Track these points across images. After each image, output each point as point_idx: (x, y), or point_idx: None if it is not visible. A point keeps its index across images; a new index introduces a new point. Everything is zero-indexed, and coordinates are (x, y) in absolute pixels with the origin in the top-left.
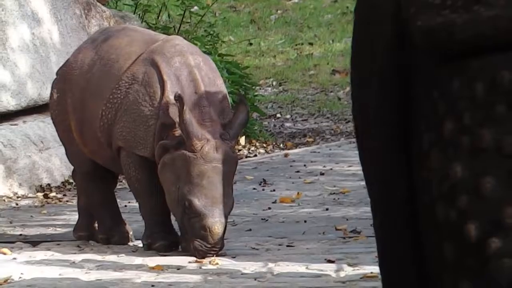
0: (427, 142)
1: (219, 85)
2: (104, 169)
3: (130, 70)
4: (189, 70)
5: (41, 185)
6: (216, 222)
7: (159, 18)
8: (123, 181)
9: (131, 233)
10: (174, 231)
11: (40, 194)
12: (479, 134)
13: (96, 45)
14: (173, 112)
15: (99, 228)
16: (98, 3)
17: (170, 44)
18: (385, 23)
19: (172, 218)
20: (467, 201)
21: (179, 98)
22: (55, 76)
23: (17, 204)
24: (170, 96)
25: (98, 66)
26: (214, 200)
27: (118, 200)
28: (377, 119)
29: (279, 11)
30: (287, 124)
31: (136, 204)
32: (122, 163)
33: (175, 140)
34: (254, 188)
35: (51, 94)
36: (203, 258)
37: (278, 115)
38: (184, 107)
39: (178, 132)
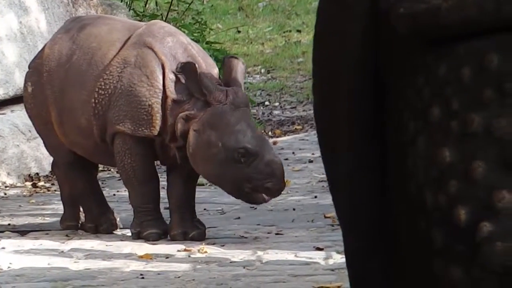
0: (413, 130)
1: (212, 63)
2: (85, 159)
3: (120, 56)
4: (184, 47)
5: (29, 175)
6: (276, 156)
7: (147, 6)
8: (112, 169)
9: (118, 219)
10: (163, 220)
11: (28, 184)
12: (468, 118)
13: (72, 35)
14: (181, 86)
15: (86, 217)
16: None
17: (157, 27)
18: (359, 18)
19: (161, 206)
20: (457, 186)
21: (185, 65)
22: None
23: (5, 194)
24: (170, 74)
25: (77, 55)
26: (260, 138)
27: (106, 189)
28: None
29: None
30: (276, 112)
31: (125, 193)
32: (116, 149)
33: (193, 109)
34: None
35: (25, 87)
36: (277, 196)
37: (267, 102)
38: (196, 67)
39: (191, 103)
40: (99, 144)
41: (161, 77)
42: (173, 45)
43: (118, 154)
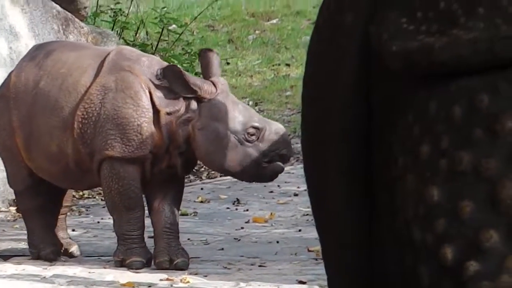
0: (402, 166)
1: None
2: (47, 186)
3: (97, 83)
4: (160, 63)
5: (14, 199)
6: (277, 123)
7: (137, 35)
8: (96, 197)
9: (74, 249)
10: (147, 248)
11: (12, 209)
12: (457, 157)
13: (38, 62)
14: (169, 97)
15: (29, 242)
16: (76, 19)
17: (128, 50)
18: (351, 57)
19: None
20: (445, 225)
21: (166, 69)
22: None
23: None
24: (156, 91)
25: (45, 81)
26: (255, 113)
27: (90, 216)
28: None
29: (257, 32)
30: None
31: (109, 221)
32: (102, 175)
33: (188, 111)
34: (227, 208)
35: None
36: (288, 162)
37: None
38: (179, 67)
39: (183, 108)
40: (70, 169)
41: (145, 96)
42: (150, 63)
43: (105, 180)
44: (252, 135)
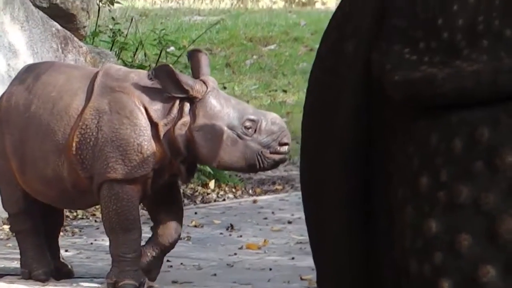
0: (402, 197)
1: None
2: (41, 208)
3: (91, 107)
4: (147, 74)
5: (7, 218)
6: (271, 113)
7: (135, 56)
8: (90, 218)
9: (66, 269)
10: (141, 272)
11: (6, 227)
12: (456, 190)
13: (28, 85)
14: (162, 108)
15: (21, 262)
16: (75, 38)
17: (114, 70)
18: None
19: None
20: (442, 257)
21: (158, 69)
22: None
23: None
24: (152, 105)
25: (36, 104)
26: (249, 105)
27: (84, 237)
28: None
29: (254, 57)
30: None
31: (102, 242)
32: (102, 197)
33: (182, 115)
34: (221, 233)
35: None
36: (288, 150)
37: None
38: (171, 67)
39: (178, 113)
40: (67, 191)
41: (141, 114)
42: (138, 77)
43: (103, 201)
44: (249, 128)
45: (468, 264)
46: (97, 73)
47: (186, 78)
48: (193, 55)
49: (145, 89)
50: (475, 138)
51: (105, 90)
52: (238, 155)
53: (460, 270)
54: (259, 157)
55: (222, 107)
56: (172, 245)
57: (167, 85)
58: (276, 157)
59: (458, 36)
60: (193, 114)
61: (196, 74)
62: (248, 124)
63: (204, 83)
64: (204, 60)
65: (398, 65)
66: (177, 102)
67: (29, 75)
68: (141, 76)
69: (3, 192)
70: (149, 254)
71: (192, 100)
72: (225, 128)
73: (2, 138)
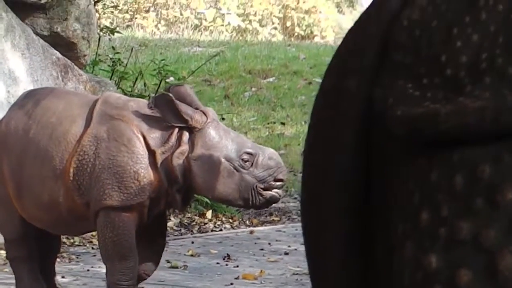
0: (401, 233)
1: None
2: (38, 234)
3: (89, 134)
4: (147, 104)
5: (4, 243)
6: (269, 148)
7: (135, 85)
8: (87, 245)
9: None
10: None
11: (3, 252)
12: (457, 226)
13: (27, 110)
14: (161, 137)
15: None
16: (75, 66)
17: (113, 98)
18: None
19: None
20: None
21: (159, 98)
22: None
23: None
24: (150, 133)
25: (35, 130)
26: (247, 139)
27: (80, 264)
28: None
29: (253, 89)
30: None
31: (99, 269)
32: (98, 224)
33: (180, 144)
34: (217, 263)
35: None
36: (283, 186)
37: None
38: (171, 96)
39: (176, 142)
40: (62, 217)
41: (139, 142)
42: (137, 106)
43: (100, 228)
44: (246, 161)
45: None
46: (96, 100)
47: (185, 108)
48: (177, 91)
49: (144, 117)
50: (476, 175)
51: (104, 118)
52: (233, 187)
53: None
54: (253, 191)
55: (221, 139)
56: (148, 276)
57: (167, 114)
58: (268, 194)
59: (461, 72)
60: (191, 143)
61: (193, 105)
62: (245, 157)
63: (204, 113)
64: (190, 92)
65: (401, 100)
66: (176, 131)
67: (29, 100)
68: (140, 104)
69: (0, 217)
70: None
71: (191, 129)
72: (223, 160)
73: (0, 163)
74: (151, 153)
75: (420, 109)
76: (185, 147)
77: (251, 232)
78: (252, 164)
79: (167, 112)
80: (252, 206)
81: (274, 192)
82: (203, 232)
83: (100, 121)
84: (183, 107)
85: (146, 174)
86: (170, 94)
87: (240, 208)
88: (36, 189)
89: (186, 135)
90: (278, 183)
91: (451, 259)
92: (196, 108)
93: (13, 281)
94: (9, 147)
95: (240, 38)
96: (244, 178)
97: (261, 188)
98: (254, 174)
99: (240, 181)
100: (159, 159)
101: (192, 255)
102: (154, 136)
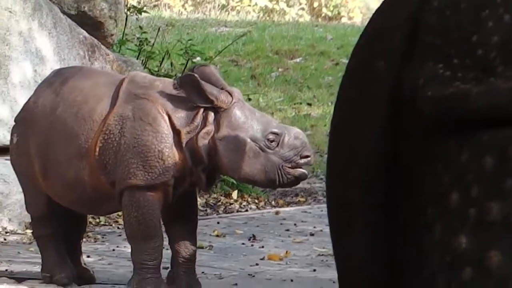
0: (431, 216)
1: None
2: (64, 212)
3: (115, 113)
4: (172, 83)
5: (30, 222)
6: (295, 128)
7: (161, 65)
8: (113, 224)
9: (87, 275)
10: (163, 280)
11: (29, 231)
12: (487, 206)
13: (55, 88)
14: (186, 116)
15: (42, 266)
16: (102, 46)
17: (140, 77)
18: (379, 104)
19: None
20: (471, 274)
21: (184, 78)
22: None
23: (5, 239)
24: (176, 113)
25: (62, 108)
26: (273, 119)
27: (106, 244)
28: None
29: (280, 69)
30: None
31: (124, 249)
32: (123, 204)
33: (206, 124)
34: (243, 243)
35: (11, 139)
36: (311, 163)
37: None
38: (196, 77)
39: (201, 122)
40: (88, 196)
41: (164, 122)
42: (164, 85)
43: (125, 208)
44: (272, 141)
45: (497, 281)
46: (123, 79)
47: (211, 88)
48: (202, 71)
49: (169, 97)
50: (506, 155)
51: (130, 97)
52: (259, 168)
53: (489, 286)
54: (279, 171)
55: (247, 119)
56: (193, 256)
57: (192, 95)
58: (296, 172)
59: (492, 53)
60: (217, 123)
61: (218, 85)
62: (271, 137)
63: (230, 94)
64: (216, 71)
65: (432, 80)
66: (201, 111)
67: (57, 79)
68: (166, 84)
69: (27, 195)
70: (180, 275)
71: (217, 110)
72: (248, 140)
73: (27, 140)
74: (176, 132)
75: (451, 89)
76: (210, 127)
77: (277, 212)
78: (278, 144)
79: (192, 92)
80: (279, 185)
81: (301, 170)
82: (228, 213)
83: (126, 100)
84: (208, 87)
85: (171, 153)
86: (195, 74)
87: (266, 188)
88: (61, 168)
89: (211, 115)
90: (304, 160)
91: (480, 240)
92: (222, 88)
93: (39, 260)
94: (36, 125)
95: (267, 18)
96: (270, 158)
97: (288, 167)
98: (280, 154)
99: (266, 162)
100: (184, 138)
101: (217, 236)
102: (180, 116)
